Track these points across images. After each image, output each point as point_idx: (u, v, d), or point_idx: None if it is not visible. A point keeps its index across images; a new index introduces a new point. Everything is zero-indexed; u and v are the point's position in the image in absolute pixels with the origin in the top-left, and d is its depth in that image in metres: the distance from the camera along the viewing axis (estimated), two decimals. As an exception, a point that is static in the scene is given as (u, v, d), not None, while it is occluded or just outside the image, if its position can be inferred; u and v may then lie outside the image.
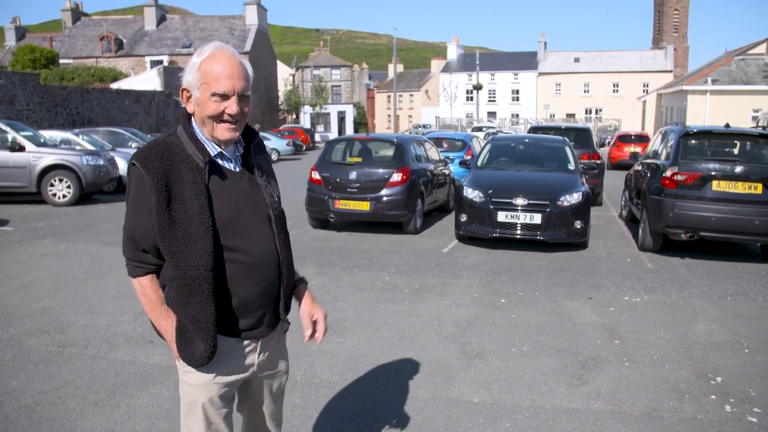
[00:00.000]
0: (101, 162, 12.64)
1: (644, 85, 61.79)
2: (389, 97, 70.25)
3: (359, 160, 9.86)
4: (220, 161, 1.94)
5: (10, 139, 11.98)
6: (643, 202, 8.56)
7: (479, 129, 35.96)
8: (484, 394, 3.93)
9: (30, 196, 12.18)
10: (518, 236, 8.30)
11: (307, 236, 9.36)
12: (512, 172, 9.40)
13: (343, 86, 61.05)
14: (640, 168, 9.86)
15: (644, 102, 52.56)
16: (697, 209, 7.62)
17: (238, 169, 1.98)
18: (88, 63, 41.68)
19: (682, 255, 8.26)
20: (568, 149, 9.92)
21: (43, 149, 12.18)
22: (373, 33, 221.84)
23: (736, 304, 6.09)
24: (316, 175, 9.62)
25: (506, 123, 54.39)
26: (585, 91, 65.25)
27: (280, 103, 54.51)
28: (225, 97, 1.86)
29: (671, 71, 62.13)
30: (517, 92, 67.50)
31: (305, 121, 55.32)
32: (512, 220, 8.27)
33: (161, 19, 47.79)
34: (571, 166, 9.43)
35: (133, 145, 16.71)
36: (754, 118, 29.21)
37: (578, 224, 8.25)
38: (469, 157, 11.99)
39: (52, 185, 12.05)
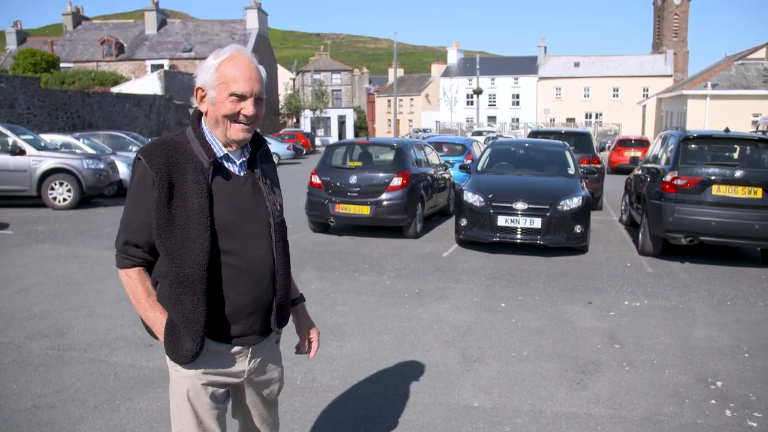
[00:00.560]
0: (102, 166, 12.66)
1: (644, 90, 61.85)
2: (389, 101, 70.29)
3: (359, 164, 9.87)
4: (225, 164, 1.95)
5: (10, 143, 12.01)
6: (643, 207, 8.56)
7: (479, 133, 35.97)
8: (484, 399, 3.93)
9: (30, 199, 12.19)
10: (518, 240, 8.31)
11: (308, 240, 9.37)
12: (512, 176, 9.41)
13: (344, 90, 61.17)
14: (640, 172, 9.87)
15: (644, 106, 52.59)
16: (697, 214, 7.63)
17: (242, 174, 1.99)
18: (88, 67, 41.66)
19: (682, 259, 8.26)
20: (568, 154, 9.93)
21: (44, 153, 12.20)
22: (374, 37, 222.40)
23: (736, 308, 6.09)
24: (316, 179, 9.64)
25: (506, 127, 54.31)
26: (585, 96, 65.33)
27: (280, 107, 54.55)
28: (242, 98, 1.88)
29: (671, 76, 62.28)
30: (518, 97, 67.57)
31: (305, 126, 55.42)
32: (512, 225, 8.28)
33: (162, 24, 47.86)
34: (571, 171, 9.45)
35: (134, 149, 16.71)
36: (754, 123, 29.21)
37: (578, 229, 8.26)
38: (469, 162, 12.02)
39: (52, 189, 12.07)
